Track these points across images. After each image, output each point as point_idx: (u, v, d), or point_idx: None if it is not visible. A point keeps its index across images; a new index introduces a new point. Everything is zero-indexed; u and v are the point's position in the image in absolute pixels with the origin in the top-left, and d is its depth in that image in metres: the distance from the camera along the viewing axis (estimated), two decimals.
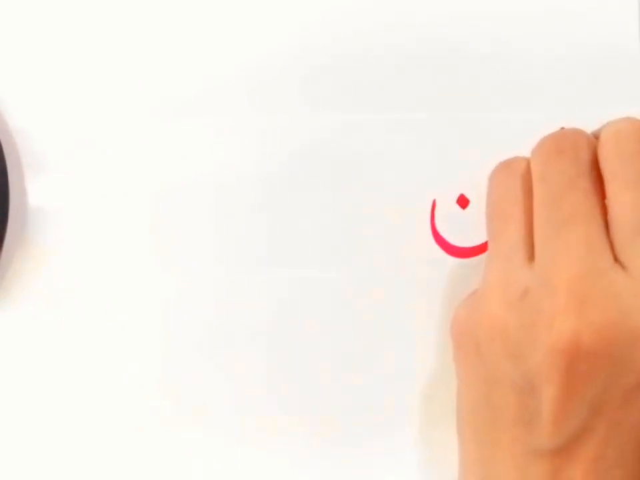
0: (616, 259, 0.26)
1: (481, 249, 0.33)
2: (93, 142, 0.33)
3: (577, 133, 0.28)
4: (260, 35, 0.33)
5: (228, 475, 0.33)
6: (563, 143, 0.28)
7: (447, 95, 0.34)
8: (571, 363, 0.25)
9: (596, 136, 0.28)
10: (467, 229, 0.33)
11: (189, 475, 0.33)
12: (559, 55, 0.34)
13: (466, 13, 0.34)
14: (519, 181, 0.28)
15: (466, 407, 0.29)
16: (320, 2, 0.34)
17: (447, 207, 0.33)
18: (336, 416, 0.32)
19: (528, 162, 0.29)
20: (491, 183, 0.30)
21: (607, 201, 0.27)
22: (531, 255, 0.27)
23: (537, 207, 0.27)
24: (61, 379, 0.33)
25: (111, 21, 0.33)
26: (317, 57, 0.33)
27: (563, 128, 0.29)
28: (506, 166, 0.30)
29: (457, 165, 0.33)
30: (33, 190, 0.33)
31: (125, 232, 0.33)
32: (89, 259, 0.33)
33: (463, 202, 0.34)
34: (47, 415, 0.33)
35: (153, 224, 0.33)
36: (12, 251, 0.32)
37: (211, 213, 0.33)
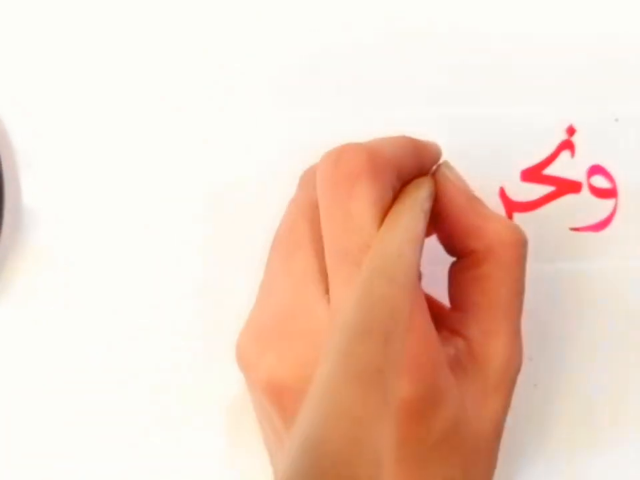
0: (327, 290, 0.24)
1: None
2: (90, 141, 0.33)
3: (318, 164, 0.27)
4: (259, 33, 0.33)
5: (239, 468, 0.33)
6: (304, 175, 0.28)
7: (451, 93, 0.33)
8: (278, 401, 0.24)
9: None
10: None
11: (196, 472, 0.33)
12: (561, 52, 0.33)
13: (467, 10, 0.33)
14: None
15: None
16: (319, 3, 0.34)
17: None
18: None
19: None
20: (282, 217, 0.29)
21: None
22: None
23: None
24: (56, 378, 0.33)
25: (108, 20, 0.33)
26: (318, 54, 0.33)
27: None
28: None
29: (462, 163, 0.33)
30: (28, 189, 0.33)
31: (119, 231, 0.33)
32: (84, 258, 0.33)
33: None
34: (43, 414, 0.33)
35: (147, 223, 0.33)
36: (7, 250, 0.33)
37: (207, 212, 0.33)
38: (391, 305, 0.19)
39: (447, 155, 0.33)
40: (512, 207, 0.33)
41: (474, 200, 0.28)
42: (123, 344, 0.33)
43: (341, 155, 0.24)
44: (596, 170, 0.33)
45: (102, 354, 0.33)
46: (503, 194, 0.33)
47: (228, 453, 0.33)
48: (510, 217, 0.33)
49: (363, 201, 0.24)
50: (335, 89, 0.33)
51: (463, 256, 0.28)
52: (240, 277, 0.33)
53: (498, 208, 0.33)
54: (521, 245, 0.27)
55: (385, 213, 0.24)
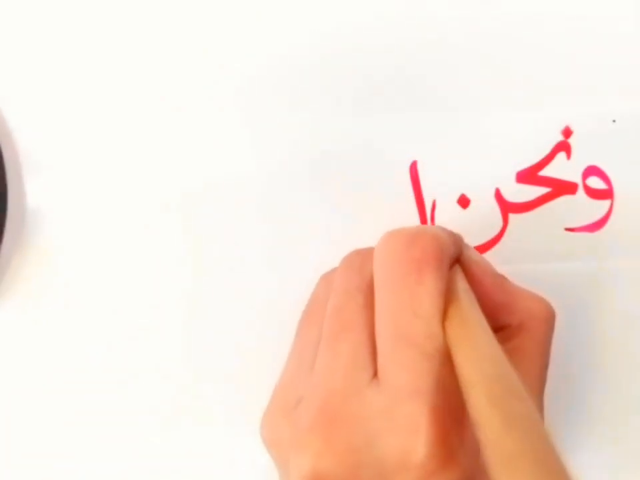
0: (376, 374, 0.24)
1: (481, 249, 0.33)
2: (91, 142, 0.33)
3: (369, 249, 0.27)
4: (259, 33, 0.33)
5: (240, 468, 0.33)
6: (353, 258, 0.27)
7: (448, 94, 0.33)
8: None
9: None
10: (467, 229, 0.33)
11: (197, 472, 0.33)
12: (558, 53, 0.33)
13: (465, 13, 0.33)
14: (328, 292, 0.27)
15: None
16: (320, 3, 0.34)
17: (447, 207, 0.33)
18: None
19: None
20: (313, 291, 0.29)
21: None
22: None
23: (325, 319, 0.26)
24: (57, 378, 0.33)
25: (109, 20, 0.33)
26: (318, 55, 0.33)
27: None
28: (326, 277, 0.29)
29: (458, 165, 0.33)
30: (31, 190, 0.33)
31: (121, 231, 0.33)
32: (87, 258, 0.33)
33: (464, 202, 0.33)
34: (43, 414, 0.33)
35: (147, 223, 0.33)
36: (10, 251, 0.32)
37: (207, 212, 0.33)
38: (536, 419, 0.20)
39: (444, 157, 0.33)
40: (508, 208, 0.34)
41: (499, 277, 0.28)
42: (123, 344, 0.33)
43: (415, 238, 0.25)
44: (592, 171, 0.34)
45: (102, 354, 0.33)
46: (498, 195, 0.34)
47: (229, 451, 0.33)
48: (505, 218, 0.34)
49: (431, 289, 0.24)
50: (335, 90, 0.33)
51: (495, 331, 0.26)
52: (241, 276, 0.33)
53: (494, 209, 0.34)
54: (551, 319, 0.27)
55: (444, 302, 0.24)
